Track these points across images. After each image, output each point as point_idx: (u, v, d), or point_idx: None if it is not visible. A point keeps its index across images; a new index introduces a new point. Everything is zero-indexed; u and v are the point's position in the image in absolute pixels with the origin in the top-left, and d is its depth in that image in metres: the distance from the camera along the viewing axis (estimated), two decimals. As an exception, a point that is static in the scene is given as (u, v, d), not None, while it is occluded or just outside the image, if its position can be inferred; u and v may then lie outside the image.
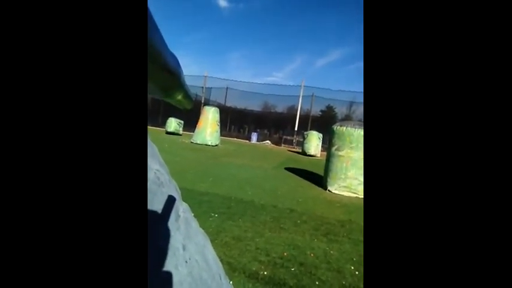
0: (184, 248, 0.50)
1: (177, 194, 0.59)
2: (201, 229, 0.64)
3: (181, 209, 0.57)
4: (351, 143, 4.49)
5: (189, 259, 0.50)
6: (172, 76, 0.32)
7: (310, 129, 13.43)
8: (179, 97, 0.38)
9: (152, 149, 0.61)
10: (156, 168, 0.56)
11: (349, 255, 2.19)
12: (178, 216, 0.54)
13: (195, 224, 0.61)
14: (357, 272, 1.93)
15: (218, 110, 11.47)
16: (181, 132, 14.78)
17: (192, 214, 0.63)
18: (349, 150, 4.50)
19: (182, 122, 14.86)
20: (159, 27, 0.26)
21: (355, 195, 4.44)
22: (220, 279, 0.59)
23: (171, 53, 0.30)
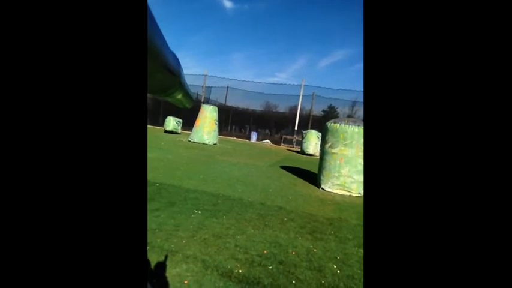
0: None
1: None
2: None
3: None
4: (344, 140, 4.38)
5: None
6: (173, 75, 0.32)
7: (311, 129, 13.29)
8: (179, 96, 0.38)
9: None
10: None
11: (333, 254, 2.10)
12: None
13: None
14: (338, 271, 1.84)
15: (216, 108, 11.38)
16: (180, 131, 14.73)
17: None
18: (342, 148, 4.39)
19: (181, 120, 14.81)
20: (163, 27, 0.26)
21: (348, 193, 4.34)
22: None
23: (172, 53, 0.31)
